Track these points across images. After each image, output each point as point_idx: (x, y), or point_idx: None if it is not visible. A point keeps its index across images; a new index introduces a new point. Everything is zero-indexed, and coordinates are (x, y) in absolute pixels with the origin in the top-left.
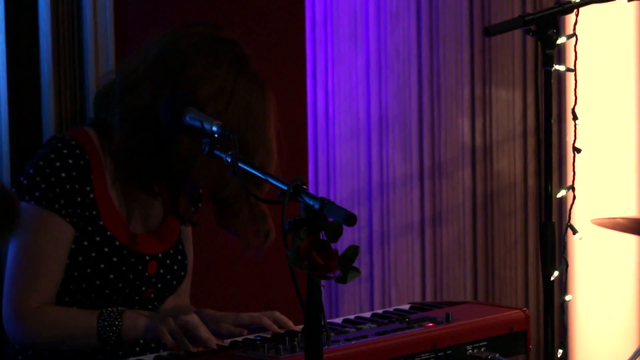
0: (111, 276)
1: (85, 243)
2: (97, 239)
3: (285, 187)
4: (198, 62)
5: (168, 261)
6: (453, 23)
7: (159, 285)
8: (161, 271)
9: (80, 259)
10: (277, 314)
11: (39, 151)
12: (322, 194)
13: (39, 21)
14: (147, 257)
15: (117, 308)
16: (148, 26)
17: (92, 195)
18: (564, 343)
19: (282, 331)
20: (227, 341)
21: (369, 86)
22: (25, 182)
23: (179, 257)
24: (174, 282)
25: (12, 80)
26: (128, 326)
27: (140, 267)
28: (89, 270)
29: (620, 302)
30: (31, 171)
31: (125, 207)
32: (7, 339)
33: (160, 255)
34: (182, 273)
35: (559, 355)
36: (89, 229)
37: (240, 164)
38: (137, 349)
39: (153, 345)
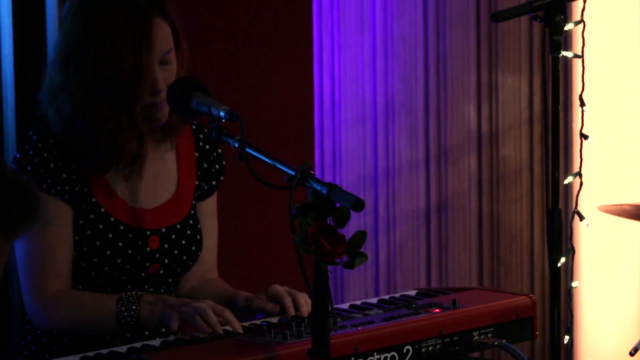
0: (108, 252)
1: (81, 222)
2: (92, 216)
3: (292, 173)
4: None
5: (174, 236)
6: (460, 9)
7: (166, 261)
8: (165, 246)
9: (77, 238)
10: (299, 297)
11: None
12: (328, 179)
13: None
14: (148, 232)
15: (136, 292)
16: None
17: (81, 173)
18: (571, 329)
19: (289, 318)
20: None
21: (375, 72)
22: (13, 167)
23: (188, 232)
24: (184, 258)
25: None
26: (146, 311)
27: (139, 242)
28: (85, 249)
29: (627, 288)
30: (18, 155)
31: (123, 184)
32: (17, 329)
33: (164, 230)
34: (193, 248)
35: (565, 342)
36: (83, 206)
37: (247, 149)
38: (146, 333)
39: (163, 330)
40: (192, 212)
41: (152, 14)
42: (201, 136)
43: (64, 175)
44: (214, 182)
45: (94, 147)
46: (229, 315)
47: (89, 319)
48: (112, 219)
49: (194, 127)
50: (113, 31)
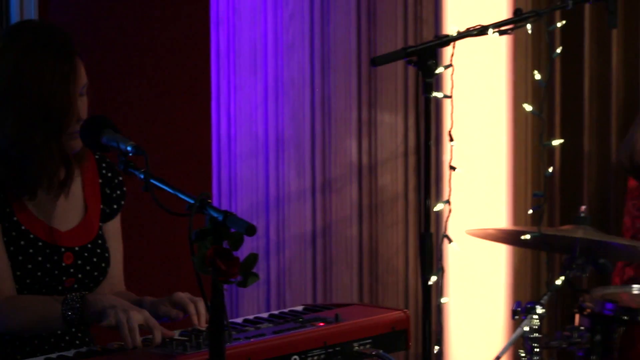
0: (29, 266)
1: (5, 239)
2: (14, 233)
3: (192, 201)
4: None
5: (86, 254)
6: (342, 54)
7: (79, 276)
8: (79, 262)
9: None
10: (200, 305)
11: None
12: (224, 207)
13: None
14: (63, 249)
15: (80, 293)
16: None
17: (1, 195)
18: (440, 340)
19: (189, 330)
20: (140, 339)
21: (267, 110)
22: None
23: (98, 251)
24: (95, 273)
25: None
26: (88, 309)
27: (56, 258)
28: (10, 264)
29: (491, 304)
30: None
31: (40, 208)
32: None
33: (77, 248)
34: (103, 265)
35: (435, 352)
36: (6, 225)
37: (152, 180)
38: (62, 344)
39: (77, 342)
40: (100, 232)
41: (74, 52)
42: (104, 165)
43: None
44: (115, 206)
45: (27, 174)
46: (157, 333)
47: (37, 320)
48: (32, 236)
49: (97, 156)
50: (43, 68)
